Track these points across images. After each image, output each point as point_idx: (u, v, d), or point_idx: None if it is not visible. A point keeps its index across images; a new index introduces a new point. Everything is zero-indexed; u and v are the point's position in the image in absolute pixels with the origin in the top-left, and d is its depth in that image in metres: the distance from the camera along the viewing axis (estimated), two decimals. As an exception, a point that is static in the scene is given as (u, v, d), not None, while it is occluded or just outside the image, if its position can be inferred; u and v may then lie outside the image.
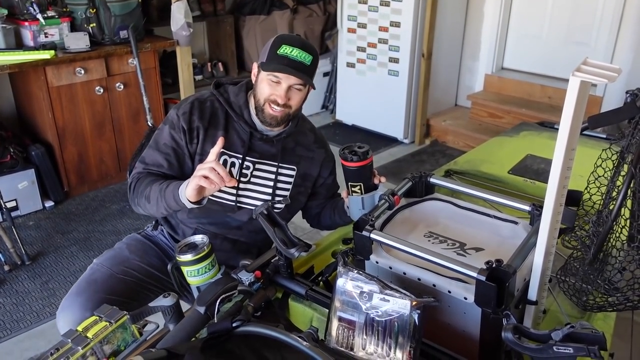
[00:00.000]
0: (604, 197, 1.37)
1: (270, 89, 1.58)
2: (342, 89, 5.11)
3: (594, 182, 1.40)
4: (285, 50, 1.53)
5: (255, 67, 1.64)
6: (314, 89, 1.69)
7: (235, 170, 1.65)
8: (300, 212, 1.89)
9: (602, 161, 1.36)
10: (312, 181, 1.79)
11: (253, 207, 1.61)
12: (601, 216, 1.33)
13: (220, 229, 1.72)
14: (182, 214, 1.73)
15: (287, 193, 1.73)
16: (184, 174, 1.62)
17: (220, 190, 1.53)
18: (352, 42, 4.83)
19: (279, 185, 1.72)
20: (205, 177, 1.38)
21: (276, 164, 1.69)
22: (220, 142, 1.47)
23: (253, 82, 1.65)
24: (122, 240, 1.85)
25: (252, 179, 1.68)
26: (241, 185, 1.67)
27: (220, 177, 1.38)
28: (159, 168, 1.64)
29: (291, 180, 1.73)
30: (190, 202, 1.46)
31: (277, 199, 1.69)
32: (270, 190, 1.70)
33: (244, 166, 1.66)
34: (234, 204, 1.67)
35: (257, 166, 1.68)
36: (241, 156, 1.65)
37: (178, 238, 1.76)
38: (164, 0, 4.19)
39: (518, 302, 1.20)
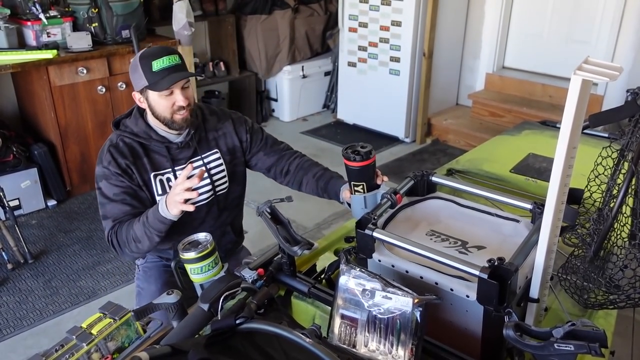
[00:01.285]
0: (604, 195, 1.37)
1: (167, 101, 1.67)
2: (343, 88, 5.12)
3: (595, 180, 1.40)
4: (158, 64, 1.62)
5: (137, 95, 1.72)
6: (201, 76, 1.79)
7: (173, 184, 1.72)
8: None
9: (603, 159, 1.36)
10: (240, 150, 1.89)
11: (204, 202, 1.81)
12: (602, 214, 1.33)
13: (189, 230, 1.75)
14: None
15: (224, 174, 1.85)
16: (146, 206, 1.71)
17: None
18: (353, 41, 4.83)
19: (213, 171, 1.83)
20: (186, 199, 1.51)
21: (200, 157, 1.80)
22: (189, 168, 1.55)
23: (143, 107, 1.73)
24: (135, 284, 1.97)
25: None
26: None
27: (192, 182, 1.50)
28: (125, 215, 1.70)
29: (221, 161, 1.85)
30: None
31: (280, 198, 1.70)
32: (209, 180, 1.82)
33: (177, 175, 1.76)
34: None
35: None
36: (170, 169, 1.76)
37: (168, 256, 1.91)
38: (166, 0, 4.20)
39: (520, 300, 1.21)
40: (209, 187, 1.82)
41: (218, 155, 1.84)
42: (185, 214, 1.73)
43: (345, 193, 1.70)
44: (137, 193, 1.72)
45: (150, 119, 1.74)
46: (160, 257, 1.93)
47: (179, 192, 1.51)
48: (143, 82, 1.64)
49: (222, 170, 1.85)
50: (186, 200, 1.53)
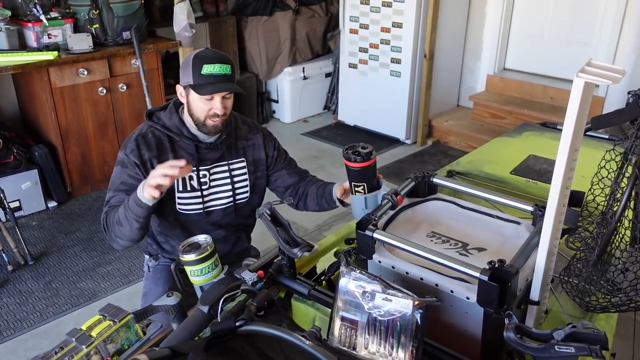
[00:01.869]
0: (608, 198, 1.37)
1: (205, 105, 1.70)
2: (344, 90, 5.12)
3: (598, 184, 1.40)
4: (208, 69, 1.65)
5: (180, 88, 1.74)
6: (244, 93, 1.80)
7: (195, 182, 1.78)
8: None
9: (606, 162, 1.36)
10: (264, 164, 1.92)
11: (221, 207, 1.84)
12: (605, 217, 1.33)
13: (200, 233, 1.77)
14: (168, 244, 1.89)
15: (246, 183, 1.87)
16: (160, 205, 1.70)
17: (187, 204, 1.78)
18: (354, 42, 4.83)
19: (236, 179, 1.85)
20: (164, 177, 1.49)
21: (226, 162, 1.82)
22: (181, 161, 1.53)
23: (182, 101, 1.76)
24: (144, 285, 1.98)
25: (212, 184, 1.82)
26: (205, 192, 1.80)
27: (173, 171, 1.48)
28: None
29: (245, 170, 1.87)
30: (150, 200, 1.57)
31: (278, 200, 1.72)
32: (230, 187, 1.84)
33: (200, 175, 1.79)
34: (202, 211, 1.81)
35: (212, 171, 1.81)
36: (194, 168, 1.77)
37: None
38: (167, 1, 4.21)
39: (520, 302, 1.20)
40: (230, 193, 1.84)
41: (244, 164, 1.87)
42: (203, 219, 1.80)
43: (337, 190, 1.75)
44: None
45: (185, 115, 1.77)
46: (172, 259, 1.94)
47: (155, 175, 1.50)
48: (189, 80, 1.68)
49: (245, 180, 1.87)
50: (159, 189, 1.51)
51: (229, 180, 1.83)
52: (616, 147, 1.35)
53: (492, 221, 1.42)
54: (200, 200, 1.80)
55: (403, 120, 4.74)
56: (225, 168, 1.82)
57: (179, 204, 1.78)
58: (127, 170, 1.71)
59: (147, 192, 1.53)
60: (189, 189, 1.77)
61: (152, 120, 1.78)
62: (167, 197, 1.74)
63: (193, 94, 1.69)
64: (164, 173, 1.49)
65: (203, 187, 1.79)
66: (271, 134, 1.97)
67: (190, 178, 1.77)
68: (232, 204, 1.86)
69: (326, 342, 1.15)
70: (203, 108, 1.70)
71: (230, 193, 1.84)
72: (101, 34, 3.67)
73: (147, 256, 2.00)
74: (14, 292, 2.85)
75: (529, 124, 2.77)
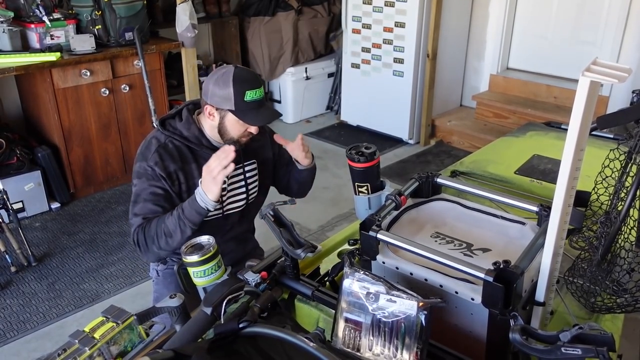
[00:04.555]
0: (612, 197, 1.36)
1: (242, 127, 1.69)
2: (347, 90, 5.11)
3: (602, 183, 1.39)
4: (251, 95, 1.63)
5: (210, 108, 1.67)
6: (280, 115, 1.84)
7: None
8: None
9: (610, 161, 1.35)
10: (271, 163, 1.95)
11: (238, 210, 1.85)
12: (609, 217, 1.32)
13: (218, 237, 1.77)
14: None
15: (257, 184, 1.89)
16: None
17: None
18: (357, 42, 4.83)
19: (249, 180, 1.86)
20: (224, 170, 1.54)
21: (241, 165, 1.82)
22: (224, 149, 1.57)
23: (211, 120, 1.70)
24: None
25: (228, 187, 1.82)
26: (223, 198, 1.80)
27: (227, 159, 1.54)
28: (155, 214, 1.69)
29: (256, 171, 1.88)
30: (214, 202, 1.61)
31: (285, 199, 1.73)
32: (244, 189, 1.85)
33: None
34: (220, 215, 1.81)
35: (230, 176, 1.77)
36: None
37: None
38: (169, 2, 4.21)
39: (525, 303, 1.19)
40: (244, 196, 1.85)
41: (255, 165, 1.87)
42: (221, 222, 1.81)
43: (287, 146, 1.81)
44: (172, 200, 1.71)
45: (210, 130, 1.74)
46: None
47: (215, 172, 1.54)
48: (229, 105, 1.63)
49: (256, 180, 1.89)
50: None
51: (243, 183, 1.84)
52: (620, 146, 1.34)
53: (496, 221, 1.41)
54: (219, 206, 1.79)
55: (406, 121, 4.73)
56: (240, 171, 1.83)
57: None
58: (153, 182, 1.68)
59: (212, 193, 1.57)
60: None
61: (166, 129, 1.74)
62: None
63: (231, 118, 1.66)
64: (223, 165, 1.52)
65: (222, 193, 1.78)
66: (272, 131, 1.95)
67: None
68: (245, 205, 1.86)
69: (330, 343, 1.15)
70: (240, 129, 1.69)
71: (244, 195, 1.85)
72: (104, 35, 3.67)
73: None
74: (17, 294, 2.86)
75: (533, 123, 2.76)
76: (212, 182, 1.56)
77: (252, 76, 1.67)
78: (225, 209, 1.82)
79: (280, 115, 1.86)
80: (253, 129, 1.69)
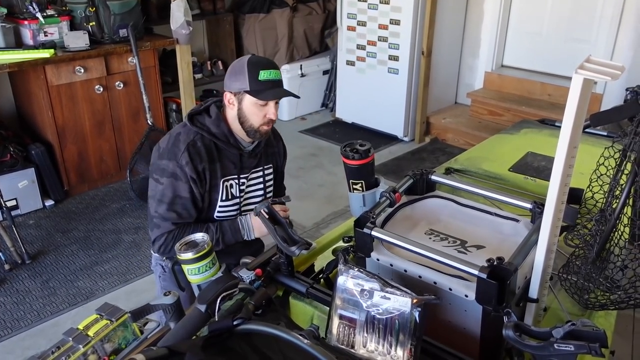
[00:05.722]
0: (607, 195, 1.37)
1: (260, 111, 1.68)
2: (342, 87, 5.11)
3: (597, 180, 1.40)
4: (265, 75, 1.64)
5: (229, 95, 1.68)
6: (298, 97, 1.84)
7: (234, 191, 1.78)
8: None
9: (605, 159, 1.35)
10: (281, 172, 1.98)
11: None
12: (604, 214, 1.33)
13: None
14: None
15: (272, 187, 1.90)
16: (192, 216, 1.74)
17: (225, 211, 1.77)
18: (352, 40, 4.82)
19: (268, 184, 1.88)
20: None
21: (261, 168, 1.84)
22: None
23: (231, 109, 1.70)
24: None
25: (247, 189, 1.83)
26: (242, 200, 1.81)
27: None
28: (182, 220, 1.72)
29: (272, 175, 1.90)
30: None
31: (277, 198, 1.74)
32: (262, 192, 1.87)
33: (240, 183, 1.79)
34: (236, 216, 1.81)
35: (249, 177, 1.82)
36: (236, 176, 1.77)
37: None
38: (164, -1, 4.19)
39: (519, 299, 1.20)
40: (262, 198, 1.87)
41: (272, 170, 1.89)
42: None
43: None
44: (197, 201, 1.72)
45: (232, 121, 1.72)
46: None
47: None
48: (244, 86, 1.64)
49: (271, 185, 1.91)
50: None
51: (262, 186, 1.86)
52: (615, 144, 1.35)
53: (490, 219, 1.42)
54: (237, 207, 1.80)
55: (401, 118, 4.74)
56: (260, 173, 1.84)
57: (218, 211, 1.77)
58: (181, 184, 1.68)
59: (258, 234, 1.75)
60: (229, 197, 1.77)
61: (194, 125, 1.71)
62: (209, 205, 1.75)
63: (247, 100, 1.66)
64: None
65: (241, 194, 1.80)
66: (284, 144, 1.99)
67: (231, 186, 1.76)
68: None
69: (324, 340, 1.15)
70: (258, 114, 1.67)
71: (262, 198, 1.86)
72: (98, 32, 3.65)
73: (157, 255, 1.91)
74: (11, 291, 2.84)
75: (527, 121, 2.77)
76: (260, 234, 1.74)
77: (267, 60, 1.69)
78: (242, 210, 1.82)
79: (298, 97, 1.84)
80: (271, 113, 1.67)
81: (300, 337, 1.03)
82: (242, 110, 1.68)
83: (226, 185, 1.75)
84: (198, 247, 1.27)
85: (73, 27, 3.61)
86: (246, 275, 1.31)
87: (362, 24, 4.69)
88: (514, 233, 1.35)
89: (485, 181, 2.01)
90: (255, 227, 1.75)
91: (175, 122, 4.34)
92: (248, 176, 1.80)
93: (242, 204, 1.82)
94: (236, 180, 1.77)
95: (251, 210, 1.83)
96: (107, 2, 3.61)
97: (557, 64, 4.59)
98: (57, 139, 3.57)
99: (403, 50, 4.50)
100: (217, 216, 1.78)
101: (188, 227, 1.71)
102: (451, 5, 4.69)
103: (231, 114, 1.71)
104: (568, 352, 0.96)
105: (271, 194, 1.90)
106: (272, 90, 1.65)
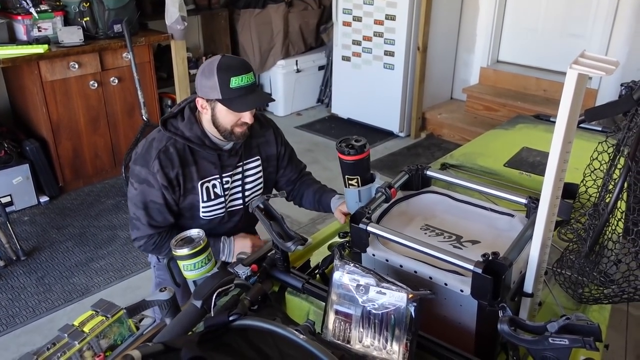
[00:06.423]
0: (600, 190, 1.37)
1: (234, 117, 1.64)
2: (338, 83, 5.10)
3: (590, 175, 1.40)
4: (237, 82, 1.58)
5: (202, 101, 1.64)
6: (273, 100, 1.89)
7: (218, 190, 1.76)
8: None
9: (599, 154, 1.36)
10: (275, 159, 1.91)
11: (239, 207, 1.84)
12: (597, 209, 1.33)
13: (223, 234, 1.84)
14: None
15: (261, 180, 1.86)
16: (167, 221, 1.75)
17: (211, 211, 1.76)
18: (348, 35, 4.82)
19: (250, 179, 1.83)
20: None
21: (241, 163, 1.79)
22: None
23: (204, 113, 1.67)
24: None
25: (231, 186, 1.80)
26: (227, 198, 1.80)
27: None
28: (159, 224, 1.73)
29: (260, 167, 1.85)
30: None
31: (273, 193, 1.74)
32: (240, 188, 1.83)
33: (224, 182, 1.76)
34: (224, 214, 1.80)
35: (234, 174, 1.79)
36: (217, 176, 1.74)
37: None
38: (158, -6, 4.17)
39: (514, 294, 1.20)
40: (240, 195, 1.82)
41: (259, 162, 1.85)
42: (225, 220, 1.83)
43: (337, 212, 1.82)
44: (172, 207, 1.71)
45: (207, 125, 1.68)
46: None
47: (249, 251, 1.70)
48: (215, 94, 1.59)
49: (260, 177, 1.86)
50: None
51: (240, 183, 1.82)
52: (608, 138, 1.35)
53: (485, 214, 1.42)
54: (223, 205, 1.78)
55: (396, 113, 4.74)
56: (239, 170, 1.80)
57: (203, 212, 1.76)
58: (153, 191, 1.67)
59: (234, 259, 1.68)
60: (212, 197, 1.75)
61: (168, 130, 1.68)
62: (190, 207, 1.74)
63: (220, 107, 1.62)
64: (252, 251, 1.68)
65: (225, 192, 1.77)
66: (278, 128, 1.93)
67: (214, 186, 1.74)
68: (243, 204, 1.85)
69: (320, 335, 1.15)
70: (231, 119, 1.63)
71: (241, 195, 1.82)
72: (92, 27, 3.63)
73: None
74: (6, 288, 2.84)
75: (522, 116, 2.77)
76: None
77: (238, 63, 1.61)
78: (228, 207, 1.80)
79: (273, 99, 1.84)
80: (247, 118, 1.64)
81: (296, 333, 1.03)
82: (215, 116, 1.64)
83: (207, 187, 1.73)
84: (194, 243, 1.27)
85: (67, 22, 3.59)
86: (242, 271, 1.30)
87: (358, 19, 4.68)
88: (509, 228, 1.35)
89: (481, 176, 2.01)
90: (237, 249, 1.75)
91: (170, 117, 4.33)
92: (231, 175, 1.77)
93: (227, 202, 1.79)
94: (219, 180, 1.74)
95: (236, 205, 1.82)
96: (101, -3, 3.59)
97: (553, 60, 4.59)
98: (51, 135, 3.55)
99: (398, 45, 4.49)
100: (202, 216, 1.76)
101: (168, 235, 1.71)
102: (446, 0, 4.68)
103: (205, 117, 1.68)
104: (563, 346, 0.97)
105: (260, 187, 1.86)
106: (245, 99, 1.60)
